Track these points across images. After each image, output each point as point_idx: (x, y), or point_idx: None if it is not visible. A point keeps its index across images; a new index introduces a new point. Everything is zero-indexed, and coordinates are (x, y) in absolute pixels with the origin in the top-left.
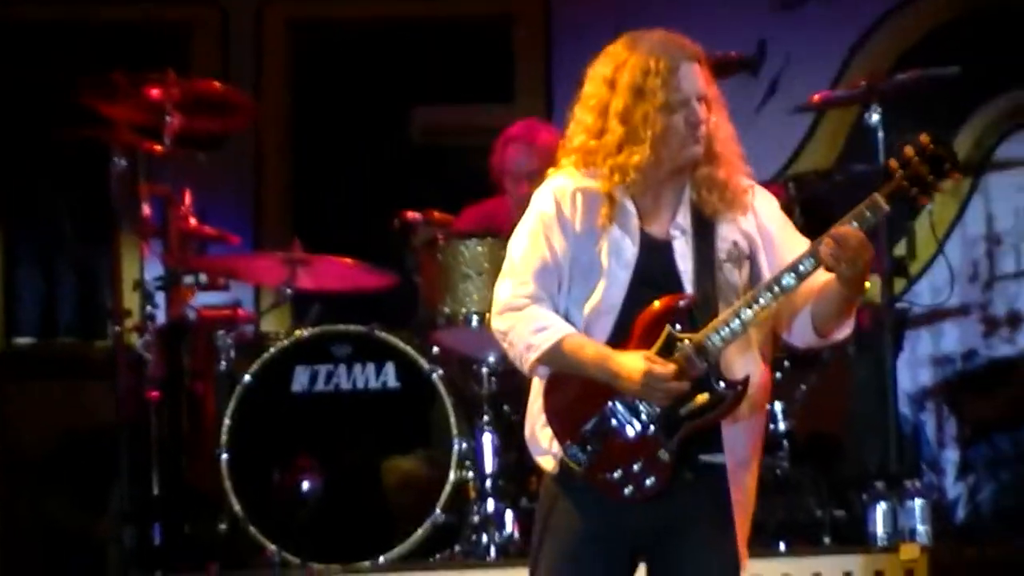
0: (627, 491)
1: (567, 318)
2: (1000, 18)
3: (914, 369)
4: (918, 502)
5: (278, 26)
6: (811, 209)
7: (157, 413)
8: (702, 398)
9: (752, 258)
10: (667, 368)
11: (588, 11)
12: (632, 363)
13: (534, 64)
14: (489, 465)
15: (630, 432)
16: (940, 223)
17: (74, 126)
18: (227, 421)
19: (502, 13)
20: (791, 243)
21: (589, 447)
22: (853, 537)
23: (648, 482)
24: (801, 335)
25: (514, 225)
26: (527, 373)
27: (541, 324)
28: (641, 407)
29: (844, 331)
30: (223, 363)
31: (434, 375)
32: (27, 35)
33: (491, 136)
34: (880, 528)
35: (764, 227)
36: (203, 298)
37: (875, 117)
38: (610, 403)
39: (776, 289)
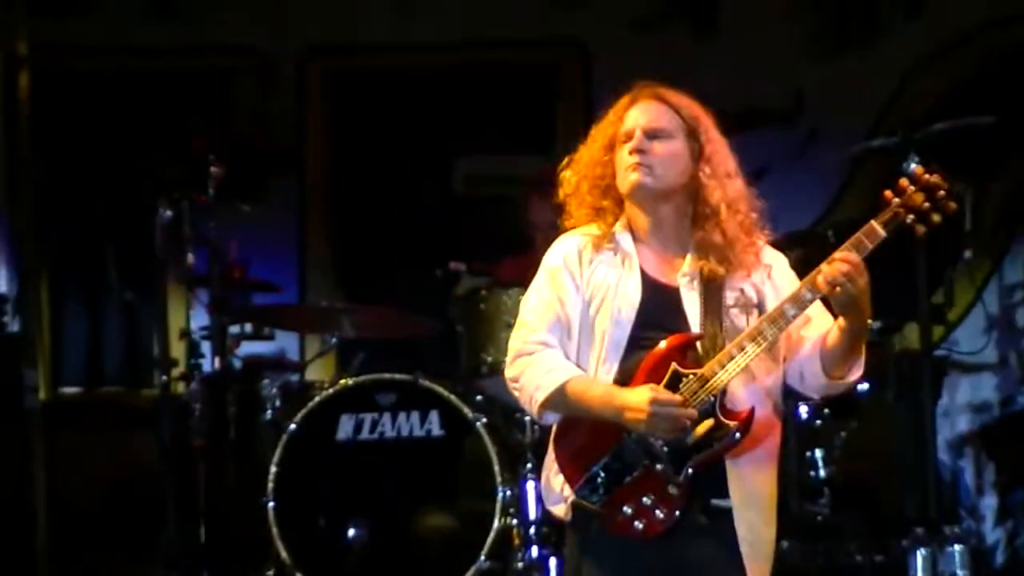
0: (638, 526)
1: (577, 365)
2: None
3: (952, 416)
4: (957, 548)
5: (319, 77)
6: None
7: (203, 461)
8: (706, 424)
9: (760, 307)
10: (672, 397)
11: (627, 63)
12: (638, 395)
13: (573, 112)
14: (533, 512)
15: (639, 468)
16: (978, 272)
17: (121, 178)
18: (273, 469)
19: (544, 65)
20: (792, 292)
21: (600, 486)
22: None
23: (659, 516)
24: (813, 382)
25: None
26: (536, 417)
27: (550, 367)
28: (649, 442)
29: (855, 373)
30: (268, 412)
31: (478, 423)
32: (73, 85)
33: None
34: (920, 573)
35: (774, 281)
36: (248, 347)
37: (912, 166)
38: (618, 442)
39: (780, 321)
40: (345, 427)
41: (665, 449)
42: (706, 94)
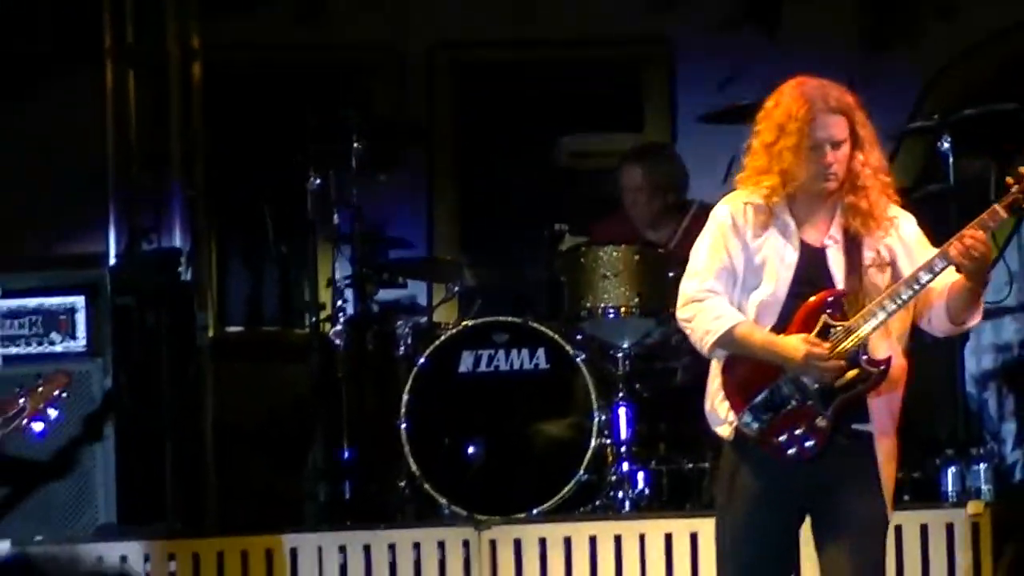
0: (791, 452)
1: (740, 309)
2: None
3: (979, 356)
4: (982, 466)
5: (447, 67)
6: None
7: (346, 390)
8: (852, 373)
9: (893, 265)
10: (823, 348)
11: (703, 54)
12: (795, 344)
13: (660, 100)
14: (624, 433)
15: (794, 403)
16: (1000, 234)
17: (278, 153)
18: (405, 397)
19: (636, 58)
20: (925, 253)
21: (760, 416)
22: (928, 495)
23: (808, 444)
24: (940, 325)
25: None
26: (706, 354)
27: (718, 313)
28: (803, 382)
29: (975, 319)
30: (401, 348)
31: (578, 359)
32: (238, 75)
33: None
34: (950, 488)
35: (904, 242)
36: (385, 294)
37: (946, 145)
38: (776, 380)
39: (916, 285)
40: (466, 361)
41: (816, 387)
42: (773, 84)
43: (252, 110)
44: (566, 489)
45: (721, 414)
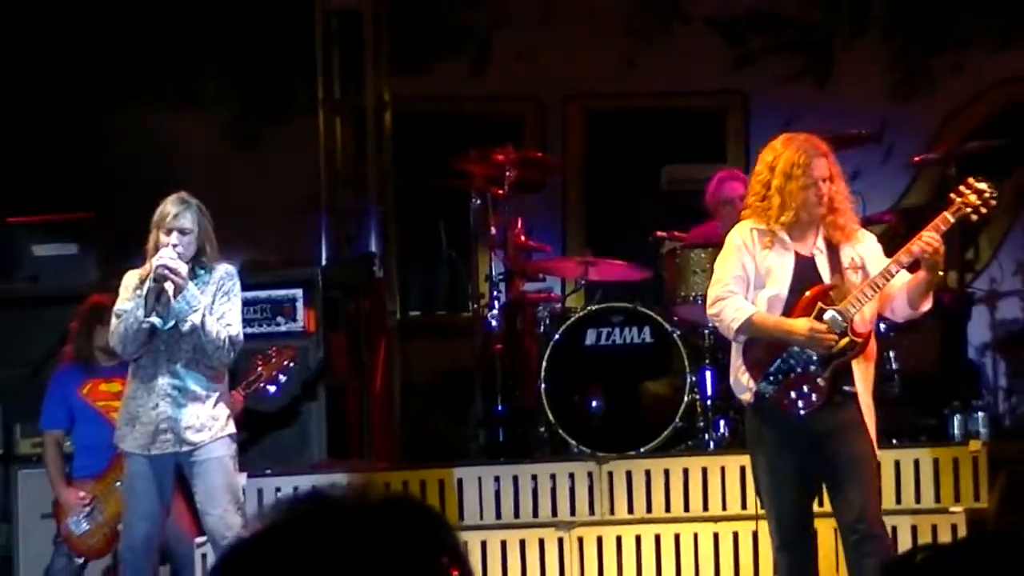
0: (800, 405)
1: (753, 304)
2: None
3: (979, 331)
4: (980, 414)
5: (578, 113)
6: (912, 230)
7: (500, 360)
8: (843, 342)
9: (863, 267)
10: (821, 326)
11: (770, 102)
12: (800, 324)
13: (737, 137)
14: (709, 391)
15: (799, 369)
16: (994, 237)
17: (449, 179)
18: (544, 364)
19: (719, 107)
20: (882, 258)
21: (774, 381)
22: (939, 437)
23: (813, 399)
24: (900, 311)
25: (721, 239)
26: (731, 338)
27: (738, 306)
28: (806, 352)
29: (927, 305)
30: (541, 328)
31: (675, 334)
32: (422, 123)
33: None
34: (956, 431)
35: (869, 250)
36: (529, 286)
37: (952, 171)
38: (786, 352)
39: (887, 276)
40: (590, 337)
41: (815, 357)
42: (823, 126)
43: (430, 146)
44: (665, 433)
45: (744, 383)
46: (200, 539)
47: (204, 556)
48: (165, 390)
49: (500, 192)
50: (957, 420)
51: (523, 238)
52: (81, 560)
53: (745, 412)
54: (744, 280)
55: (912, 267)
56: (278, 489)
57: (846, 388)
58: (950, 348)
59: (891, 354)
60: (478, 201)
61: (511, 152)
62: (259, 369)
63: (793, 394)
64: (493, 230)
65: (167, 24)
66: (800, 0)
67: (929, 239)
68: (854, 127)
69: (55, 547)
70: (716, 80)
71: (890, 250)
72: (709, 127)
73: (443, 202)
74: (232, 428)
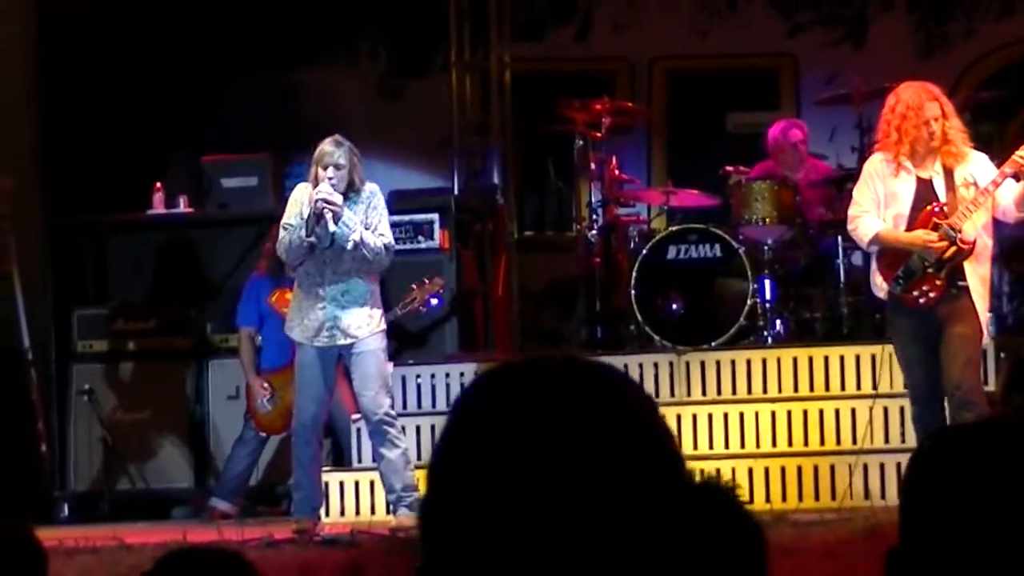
0: (922, 300)
1: (884, 220)
2: None
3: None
4: (989, 315)
5: (661, 72)
6: None
7: (598, 271)
8: (952, 250)
9: (976, 183)
10: (933, 236)
11: (817, 62)
12: (916, 236)
13: (790, 91)
14: (768, 296)
15: (920, 271)
16: None
17: (556, 125)
18: (634, 274)
19: (775, 67)
20: (992, 172)
21: (900, 282)
22: None
23: (932, 294)
24: (1011, 214)
25: (779, 173)
26: (866, 248)
27: (870, 222)
28: (924, 258)
29: None
30: (632, 243)
31: (740, 250)
32: (536, 81)
33: (766, 128)
34: None
35: (980, 168)
36: (622, 211)
37: (968, 116)
38: (909, 257)
39: (990, 189)
40: (671, 252)
41: (933, 259)
42: (861, 81)
43: (541, 99)
44: (732, 330)
45: (878, 284)
46: (356, 415)
47: (359, 430)
48: (331, 294)
49: (598, 135)
50: None
51: (616, 172)
52: (264, 435)
53: (886, 309)
54: (875, 201)
55: (1018, 177)
56: (418, 376)
57: (960, 283)
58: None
59: None
60: (580, 142)
61: (607, 103)
62: (414, 293)
63: (915, 292)
64: (592, 165)
65: (335, 2)
66: None
67: (1019, 156)
68: (886, 82)
69: (244, 421)
70: (772, 45)
71: None
72: (766, 83)
73: (552, 143)
74: (384, 325)
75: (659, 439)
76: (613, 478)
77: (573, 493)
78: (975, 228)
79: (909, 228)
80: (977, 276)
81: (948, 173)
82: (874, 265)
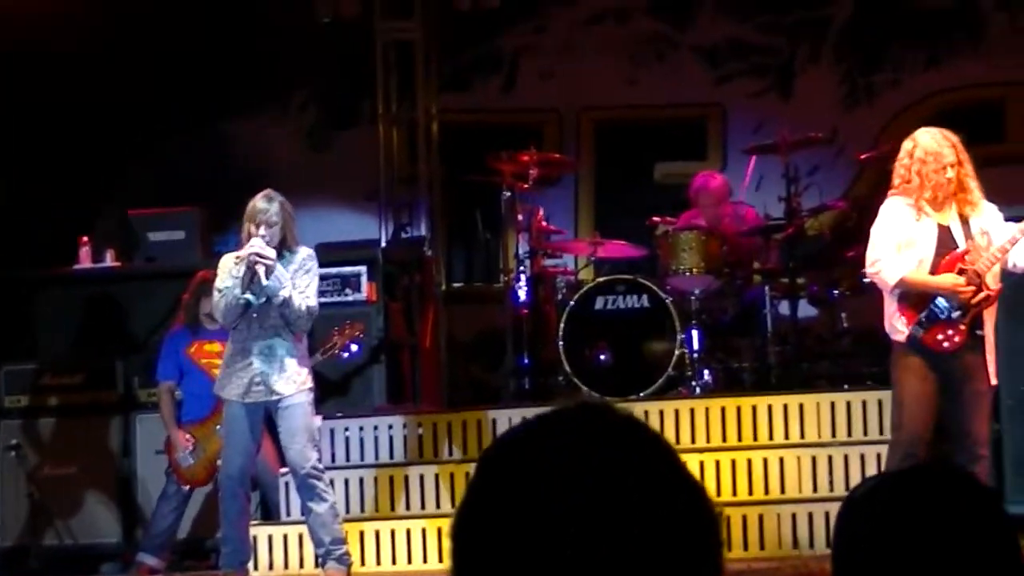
0: (946, 344)
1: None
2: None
3: None
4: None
5: (589, 122)
6: (860, 215)
7: (526, 322)
8: (980, 296)
9: (989, 233)
10: (962, 281)
11: (743, 112)
12: (945, 279)
13: (717, 141)
14: (696, 346)
15: (944, 315)
16: None
17: (484, 176)
18: (561, 326)
19: (702, 116)
20: (1004, 225)
21: (924, 325)
22: (883, 382)
23: (957, 339)
24: (1021, 266)
25: (702, 224)
26: (888, 292)
27: (895, 266)
28: (950, 302)
29: None
30: (560, 294)
31: (667, 300)
32: (462, 132)
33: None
34: None
35: (993, 219)
36: (549, 262)
37: (892, 166)
38: (933, 300)
39: (1014, 240)
40: (598, 303)
41: (958, 304)
42: (788, 131)
43: (469, 150)
44: (660, 381)
45: (899, 327)
46: (284, 469)
47: (287, 483)
48: (258, 349)
49: (525, 186)
50: None
51: (544, 223)
52: (187, 488)
53: (893, 349)
54: (894, 244)
55: None
56: (346, 429)
57: (978, 332)
58: None
59: (844, 314)
60: (507, 193)
61: (534, 154)
62: (335, 339)
63: (940, 336)
64: (519, 217)
65: (264, 55)
66: (768, 31)
67: None
68: (812, 132)
69: (167, 476)
70: (700, 95)
71: (841, 229)
72: (694, 133)
73: (480, 194)
74: (311, 383)
75: (695, 492)
76: (654, 530)
77: (614, 546)
78: (996, 277)
79: (933, 273)
80: (991, 325)
81: (964, 221)
82: (894, 307)
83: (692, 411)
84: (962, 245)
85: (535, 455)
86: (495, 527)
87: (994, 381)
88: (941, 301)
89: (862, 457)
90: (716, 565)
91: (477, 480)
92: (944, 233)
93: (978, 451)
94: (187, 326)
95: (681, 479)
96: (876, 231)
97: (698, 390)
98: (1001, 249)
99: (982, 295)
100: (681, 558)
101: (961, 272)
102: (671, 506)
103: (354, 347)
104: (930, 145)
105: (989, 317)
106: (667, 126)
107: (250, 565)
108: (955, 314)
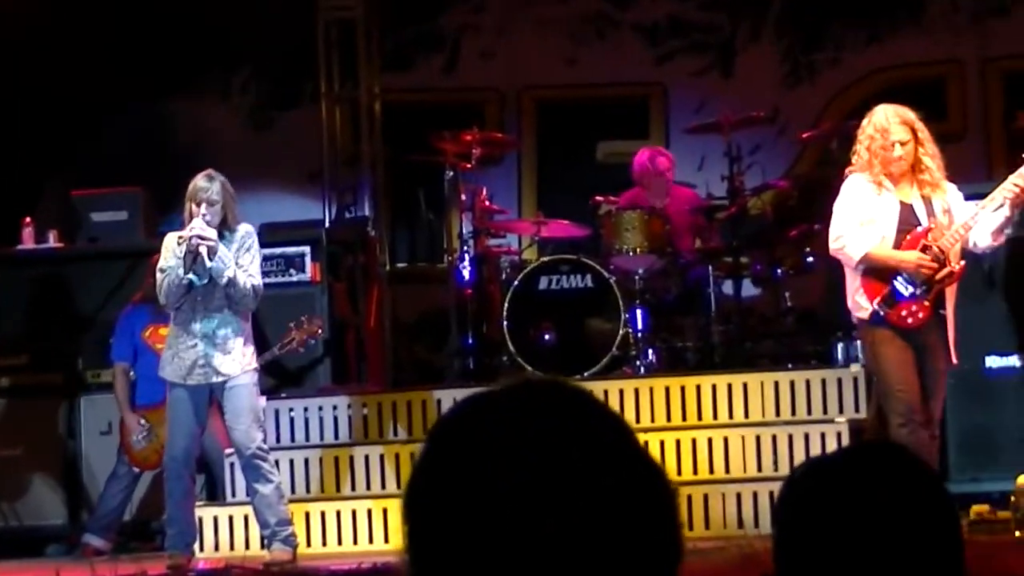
0: (910, 320)
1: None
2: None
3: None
4: (859, 342)
5: (531, 102)
6: (802, 194)
7: (470, 302)
8: (943, 271)
9: (950, 212)
10: (926, 258)
11: (685, 91)
12: (910, 255)
13: (659, 120)
14: (640, 325)
15: (907, 291)
16: None
17: (427, 156)
18: (506, 304)
19: (644, 95)
20: (965, 204)
21: (888, 300)
22: (826, 361)
23: (920, 315)
24: (982, 242)
25: (647, 203)
26: (851, 267)
27: (858, 242)
28: (913, 279)
29: (1002, 239)
30: (504, 274)
31: (611, 280)
32: (405, 111)
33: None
34: (840, 356)
35: (954, 198)
36: (493, 242)
37: (834, 144)
38: (897, 277)
39: (977, 217)
40: (542, 283)
41: (922, 281)
42: (727, 111)
43: (411, 130)
44: (604, 361)
45: (863, 303)
46: (229, 450)
47: (232, 464)
48: (202, 331)
49: (468, 166)
50: (840, 347)
51: (487, 203)
52: (137, 470)
53: (858, 327)
54: (857, 220)
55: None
56: (291, 409)
57: (940, 311)
58: (834, 288)
59: (787, 293)
60: (450, 173)
61: (476, 133)
62: (292, 335)
63: (904, 312)
64: (463, 196)
65: (205, 33)
66: (708, 10)
67: (1013, 185)
68: (753, 111)
69: (118, 457)
70: (641, 74)
71: (784, 208)
72: (635, 112)
73: (423, 174)
74: (255, 363)
75: (646, 466)
76: (602, 504)
77: (560, 521)
78: (958, 254)
79: (896, 248)
80: (951, 305)
81: (926, 200)
82: (857, 283)
83: (636, 391)
84: (924, 223)
85: (481, 432)
86: (442, 505)
87: (955, 360)
88: (901, 281)
89: (806, 436)
90: (675, 542)
91: (423, 459)
92: (906, 210)
93: (933, 430)
94: (147, 304)
95: (631, 453)
96: (838, 207)
97: (642, 370)
98: (964, 227)
99: (945, 271)
100: (634, 533)
101: (925, 249)
102: (619, 479)
103: (312, 343)
104: (879, 121)
105: (950, 296)
106: (609, 105)
107: (196, 546)
108: (918, 291)
